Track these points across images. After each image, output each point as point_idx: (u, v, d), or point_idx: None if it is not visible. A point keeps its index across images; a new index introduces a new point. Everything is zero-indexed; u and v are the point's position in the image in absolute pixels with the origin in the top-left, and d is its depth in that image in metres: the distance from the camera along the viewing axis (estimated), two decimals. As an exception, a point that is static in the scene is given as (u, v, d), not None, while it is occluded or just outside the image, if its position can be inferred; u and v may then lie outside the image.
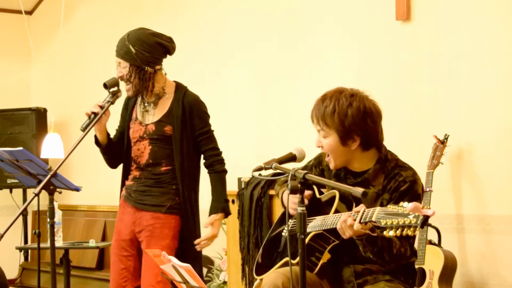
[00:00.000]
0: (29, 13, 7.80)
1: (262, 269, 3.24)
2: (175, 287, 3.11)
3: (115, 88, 3.71)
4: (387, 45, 4.75)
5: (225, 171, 3.86)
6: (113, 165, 3.96)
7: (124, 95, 3.86)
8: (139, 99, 3.85)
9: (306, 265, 2.93)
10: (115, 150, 3.88)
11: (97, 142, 3.81)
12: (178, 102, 3.76)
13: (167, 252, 3.69)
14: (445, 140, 4.26)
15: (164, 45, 3.75)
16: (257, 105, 5.64)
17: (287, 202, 2.95)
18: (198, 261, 3.84)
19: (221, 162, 3.86)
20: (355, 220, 2.70)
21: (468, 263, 4.31)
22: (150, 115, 3.79)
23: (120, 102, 3.89)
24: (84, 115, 3.70)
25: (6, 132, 7.11)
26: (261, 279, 3.21)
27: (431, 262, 4.08)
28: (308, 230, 3.02)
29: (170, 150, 3.75)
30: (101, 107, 3.65)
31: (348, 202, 2.97)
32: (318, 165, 3.23)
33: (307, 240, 2.98)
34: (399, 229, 2.49)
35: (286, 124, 5.41)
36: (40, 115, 7.14)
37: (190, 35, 6.16)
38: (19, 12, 7.48)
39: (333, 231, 2.92)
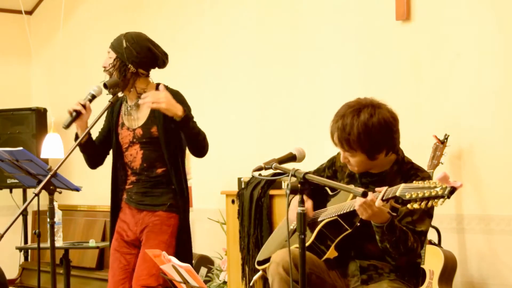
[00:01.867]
0: (29, 13, 7.80)
1: (266, 261, 3.24)
2: (175, 287, 3.11)
3: (115, 88, 3.72)
4: (387, 45, 4.75)
5: (206, 138, 3.73)
6: (92, 165, 3.98)
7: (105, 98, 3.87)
8: (123, 103, 3.86)
9: (315, 250, 3.00)
10: (95, 150, 3.90)
11: (76, 139, 3.81)
12: None
13: (165, 248, 3.70)
14: (445, 140, 4.26)
15: (155, 53, 3.76)
16: (257, 105, 5.64)
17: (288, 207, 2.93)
18: (189, 260, 3.85)
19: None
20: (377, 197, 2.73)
21: (468, 263, 4.31)
22: (135, 119, 3.81)
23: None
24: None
25: (6, 132, 7.11)
26: (263, 270, 3.23)
27: (431, 262, 4.08)
28: (321, 218, 3.07)
29: (161, 152, 3.76)
30: (83, 106, 3.70)
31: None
32: (331, 166, 3.26)
33: (320, 226, 3.02)
34: (424, 202, 2.54)
35: (286, 124, 5.41)
36: (40, 115, 7.14)
37: (191, 35, 6.16)
38: (19, 12, 7.48)
39: (347, 219, 2.95)
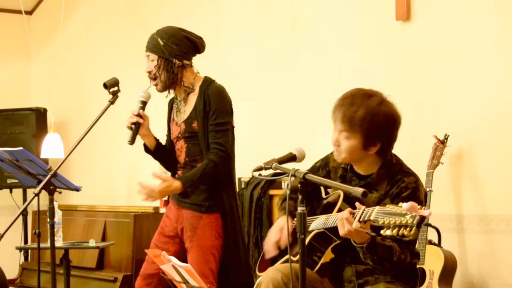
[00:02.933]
0: (29, 13, 7.80)
1: (265, 266, 3.24)
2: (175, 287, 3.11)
3: (115, 88, 3.72)
4: (387, 45, 4.75)
5: (215, 164, 3.64)
6: (170, 169, 3.92)
7: (161, 98, 3.88)
8: (175, 100, 3.88)
9: (306, 262, 2.96)
10: (167, 155, 3.87)
11: (146, 149, 3.83)
12: (201, 96, 3.75)
13: (214, 252, 3.69)
14: (445, 140, 4.26)
15: (192, 40, 3.78)
16: (257, 105, 5.64)
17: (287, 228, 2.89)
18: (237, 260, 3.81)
19: (219, 155, 3.66)
20: (354, 218, 2.70)
21: (468, 263, 4.31)
22: (182, 114, 3.82)
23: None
24: (84, 116, 3.73)
25: (6, 132, 7.11)
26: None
27: (431, 262, 4.08)
28: (310, 228, 3.04)
29: (201, 147, 3.76)
30: (138, 115, 3.69)
31: (352, 202, 2.97)
32: (325, 166, 3.25)
33: (308, 238, 3.00)
34: (396, 229, 2.47)
35: (286, 124, 5.41)
36: (40, 115, 7.13)
37: (190, 35, 6.16)
38: (19, 12, 7.48)
39: (335, 230, 2.93)
